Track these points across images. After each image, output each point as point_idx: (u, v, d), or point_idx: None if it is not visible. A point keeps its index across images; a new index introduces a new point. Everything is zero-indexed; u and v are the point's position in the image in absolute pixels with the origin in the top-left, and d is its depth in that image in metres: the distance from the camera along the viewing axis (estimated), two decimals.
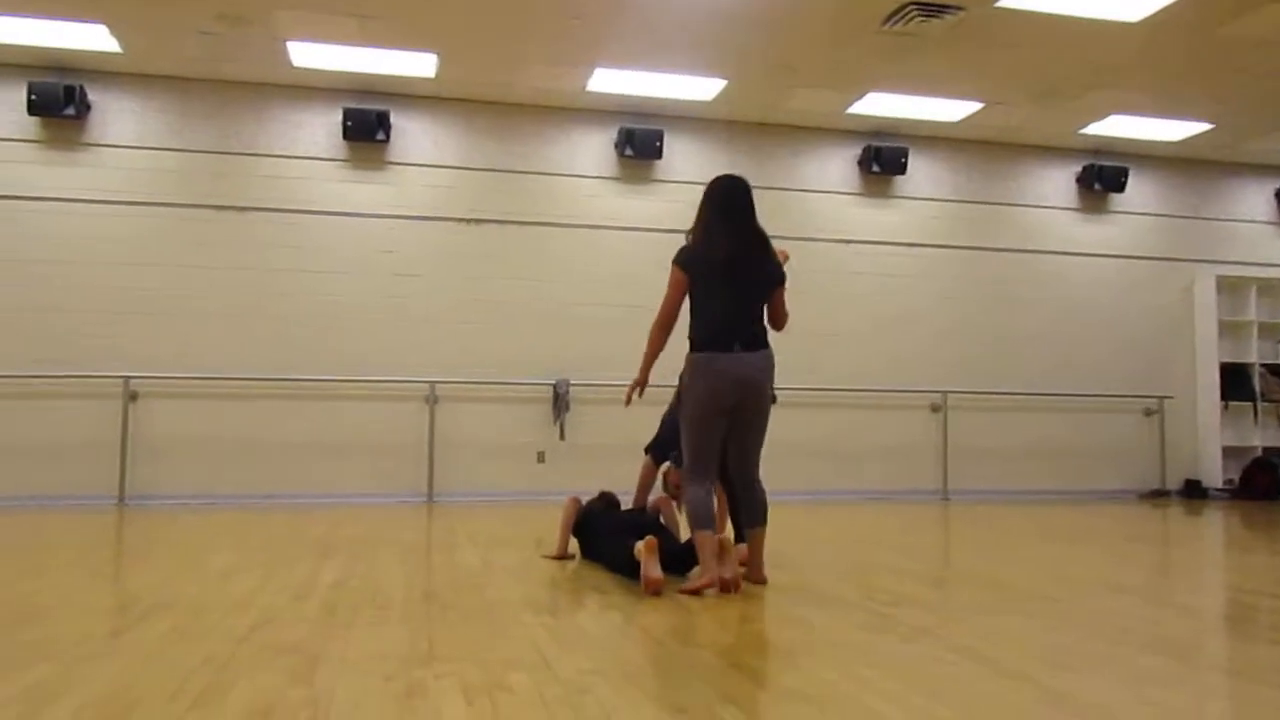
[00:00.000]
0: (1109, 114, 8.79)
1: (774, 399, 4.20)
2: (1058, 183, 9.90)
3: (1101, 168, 9.75)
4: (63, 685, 2.41)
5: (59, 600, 3.56)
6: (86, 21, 6.99)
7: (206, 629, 3.08)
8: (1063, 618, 3.44)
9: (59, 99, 7.63)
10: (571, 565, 4.64)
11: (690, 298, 4.03)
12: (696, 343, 3.99)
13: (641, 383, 4.18)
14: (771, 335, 4.16)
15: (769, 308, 4.15)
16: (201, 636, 2.97)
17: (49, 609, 3.39)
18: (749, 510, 4.12)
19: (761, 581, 4.09)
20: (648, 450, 4.99)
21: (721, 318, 3.97)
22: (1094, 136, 9.43)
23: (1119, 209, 10.02)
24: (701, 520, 3.96)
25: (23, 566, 4.37)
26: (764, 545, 4.15)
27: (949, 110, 8.74)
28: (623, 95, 8.44)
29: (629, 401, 4.26)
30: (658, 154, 8.75)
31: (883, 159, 9.21)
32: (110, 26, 7.08)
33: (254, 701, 2.29)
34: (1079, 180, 9.90)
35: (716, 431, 4.00)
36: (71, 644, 2.86)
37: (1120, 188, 9.82)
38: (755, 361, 3.96)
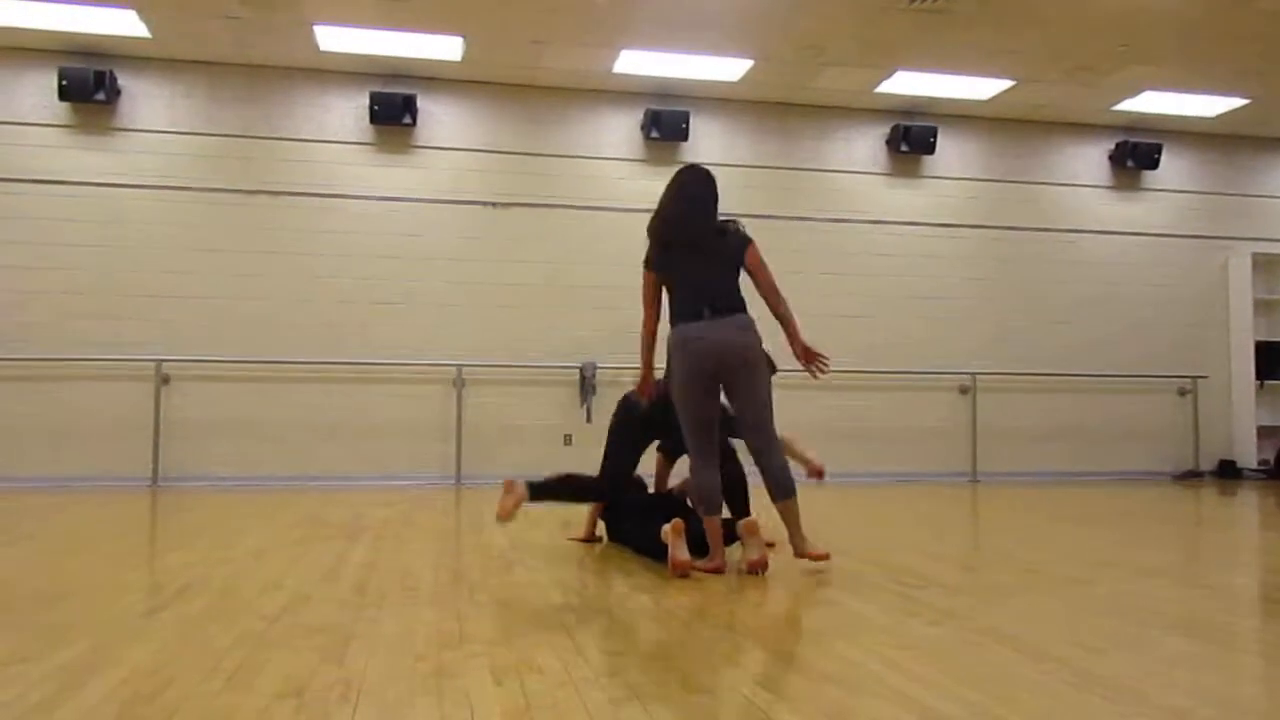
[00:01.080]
0: (1143, 90, 8.64)
1: (773, 368, 4.16)
2: (1089, 161, 9.76)
3: (1135, 145, 9.59)
4: (99, 663, 2.45)
5: (94, 579, 3.62)
6: (115, 7, 7.04)
7: (239, 609, 3.12)
8: (1093, 600, 3.41)
9: (89, 84, 7.70)
10: (599, 547, 4.65)
11: (665, 285, 4.13)
12: (671, 321, 4.06)
13: (645, 377, 4.30)
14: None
15: (751, 277, 4.06)
16: (234, 616, 3.01)
17: (84, 588, 3.45)
18: (772, 484, 3.95)
19: (819, 556, 3.93)
20: (659, 449, 4.95)
21: (689, 291, 4.02)
22: (1127, 113, 9.28)
23: (1153, 186, 9.86)
24: (710, 505, 3.96)
25: (58, 546, 4.45)
26: (800, 518, 3.96)
27: (979, 88, 8.63)
28: (649, 77, 8.39)
29: (650, 398, 4.31)
30: (684, 135, 8.70)
31: (911, 138, 9.11)
32: (139, 11, 7.13)
33: (287, 680, 2.32)
34: (1111, 158, 9.75)
35: (706, 404, 3.98)
36: (107, 622, 2.91)
37: (1154, 165, 9.66)
38: (727, 325, 3.93)
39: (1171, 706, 2.18)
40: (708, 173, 4.25)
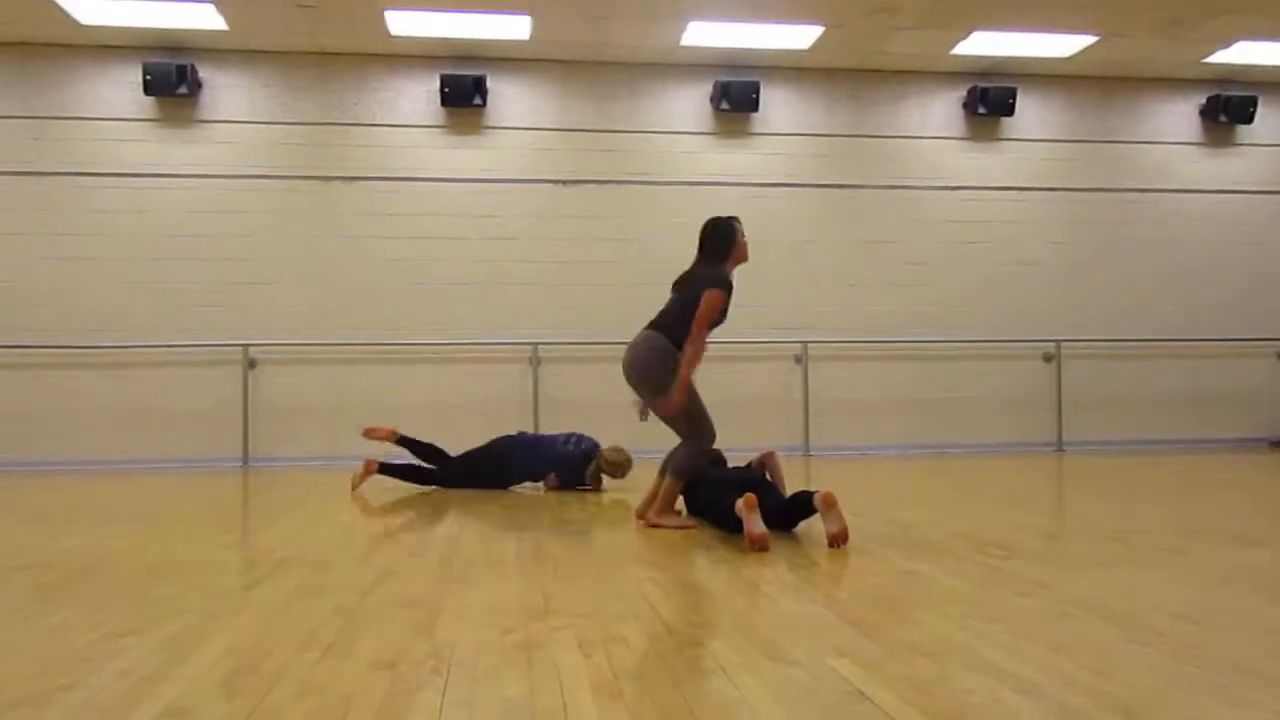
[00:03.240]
0: (1235, 40, 8.26)
1: (658, 390, 4.46)
2: (1179, 117, 9.37)
3: (1227, 98, 9.18)
4: (202, 636, 2.55)
5: (193, 557, 3.76)
6: (194, 0, 7.22)
7: (332, 584, 3.21)
8: (1189, 570, 3.31)
9: (172, 78, 7.92)
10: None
11: None
12: None
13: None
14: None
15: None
16: (327, 591, 3.10)
17: (184, 565, 3.58)
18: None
19: (653, 524, 4.46)
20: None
21: None
22: (1219, 65, 8.88)
23: (1247, 141, 9.44)
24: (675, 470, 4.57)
25: (157, 526, 4.63)
26: (669, 494, 4.50)
27: (1060, 45, 8.34)
28: (717, 48, 8.31)
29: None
30: (754, 106, 8.61)
31: (989, 100, 8.86)
32: (217, 4, 7.29)
33: (380, 652, 2.38)
34: (1202, 113, 9.35)
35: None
36: (207, 598, 3.02)
37: (1249, 119, 9.24)
38: (635, 339, 4.63)
39: (1279, 678, 2.11)
40: (710, 222, 4.62)
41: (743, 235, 4.59)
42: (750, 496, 3.88)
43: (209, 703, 2.02)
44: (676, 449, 4.55)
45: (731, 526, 4.11)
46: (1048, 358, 9.07)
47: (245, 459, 8.10)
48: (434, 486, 6.23)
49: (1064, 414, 9.02)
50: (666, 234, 8.61)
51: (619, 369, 8.87)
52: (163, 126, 8.19)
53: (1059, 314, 9.11)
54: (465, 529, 4.44)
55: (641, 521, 4.60)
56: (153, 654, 2.38)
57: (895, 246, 8.86)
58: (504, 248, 8.49)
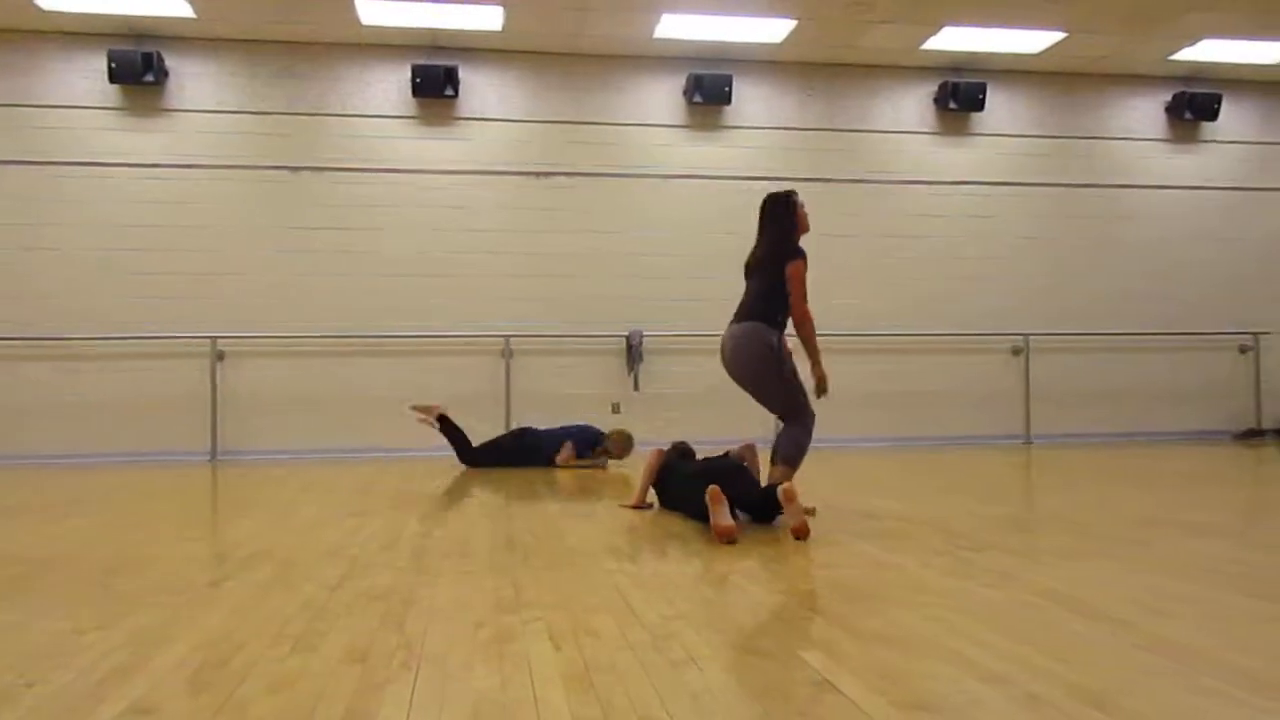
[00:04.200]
0: (1201, 38, 8.37)
1: (775, 372, 4.45)
2: (1145, 113, 9.49)
3: (1193, 95, 9.30)
4: (170, 630, 2.52)
5: (161, 551, 3.71)
6: None
7: (301, 578, 3.19)
8: (1152, 561, 3.36)
9: (137, 67, 7.81)
10: (650, 514, 4.68)
11: None
12: None
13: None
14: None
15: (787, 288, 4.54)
16: (297, 585, 3.08)
17: (152, 559, 3.54)
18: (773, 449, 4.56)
19: (803, 529, 3.90)
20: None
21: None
22: (1184, 62, 8.99)
23: (1212, 138, 9.57)
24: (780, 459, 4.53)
25: (125, 519, 4.57)
26: (789, 492, 4.06)
27: (1029, 41, 8.41)
28: (690, 41, 8.31)
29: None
30: (727, 99, 8.61)
31: (960, 95, 8.93)
32: None
33: (351, 646, 2.37)
34: (1168, 109, 9.47)
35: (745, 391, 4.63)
36: (175, 592, 2.99)
37: (1213, 115, 9.37)
38: (733, 331, 4.55)
39: (1240, 666, 2.15)
40: (769, 198, 4.67)
41: (802, 205, 4.66)
42: (714, 489, 3.87)
43: (176, 698, 1.99)
44: (781, 434, 4.55)
45: (703, 519, 4.12)
46: (1016, 351, 9.16)
47: (213, 452, 8.02)
48: (467, 459, 7.18)
49: (1032, 407, 9.12)
50: (639, 226, 8.61)
51: (590, 361, 8.91)
52: (128, 115, 8.07)
53: (1027, 308, 9.21)
54: (437, 521, 4.43)
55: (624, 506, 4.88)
56: (118, 649, 2.35)
57: (865, 240, 8.91)
58: (475, 240, 8.45)
